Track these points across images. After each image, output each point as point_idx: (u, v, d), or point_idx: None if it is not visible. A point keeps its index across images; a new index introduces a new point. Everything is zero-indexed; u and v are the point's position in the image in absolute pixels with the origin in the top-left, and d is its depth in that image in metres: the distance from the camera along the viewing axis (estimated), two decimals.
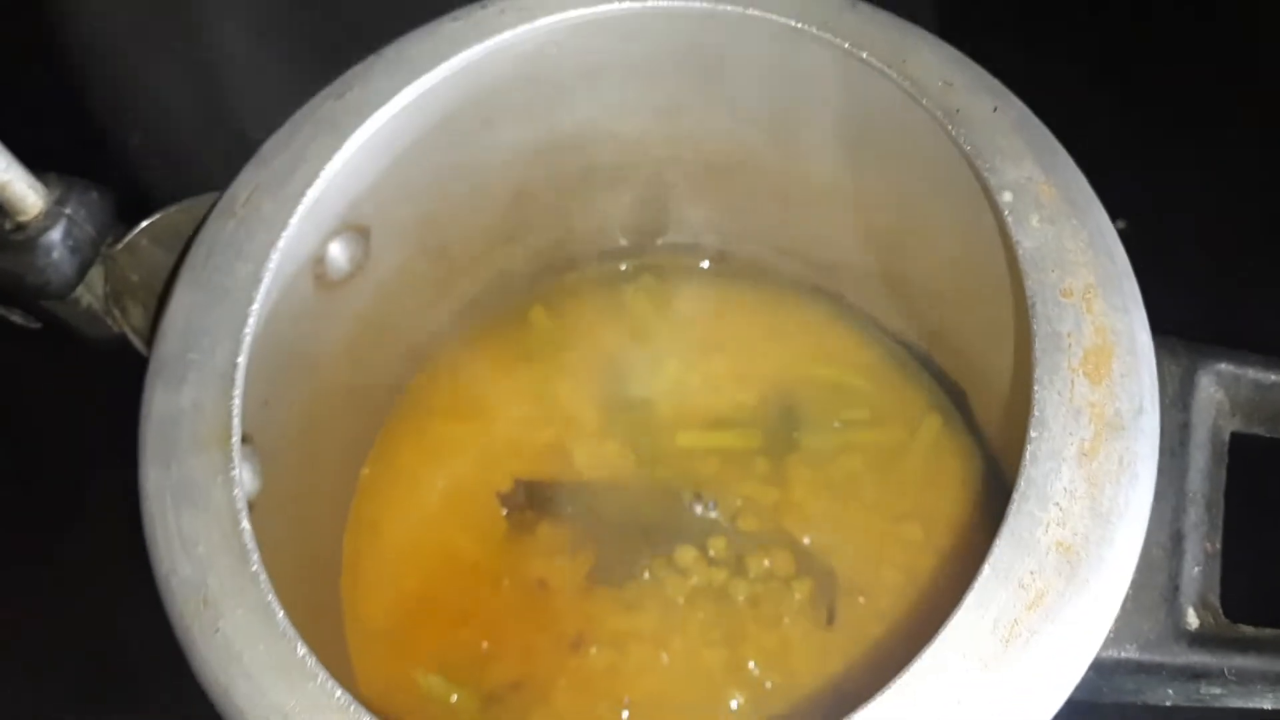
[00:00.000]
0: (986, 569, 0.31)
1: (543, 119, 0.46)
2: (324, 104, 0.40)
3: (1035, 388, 0.33)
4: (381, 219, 0.45)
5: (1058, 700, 0.31)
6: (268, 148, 0.40)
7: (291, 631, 0.32)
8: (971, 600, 0.31)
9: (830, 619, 0.47)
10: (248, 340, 0.36)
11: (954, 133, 0.37)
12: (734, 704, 0.46)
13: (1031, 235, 0.35)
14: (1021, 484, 0.32)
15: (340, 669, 0.45)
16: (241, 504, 0.34)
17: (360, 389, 0.50)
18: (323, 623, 0.45)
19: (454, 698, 0.47)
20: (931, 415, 0.50)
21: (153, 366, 0.37)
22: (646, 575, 0.48)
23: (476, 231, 0.51)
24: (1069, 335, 0.34)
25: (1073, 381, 0.33)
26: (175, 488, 0.35)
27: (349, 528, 0.50)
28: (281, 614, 0.33)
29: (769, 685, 0.47)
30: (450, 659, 0.47)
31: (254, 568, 0.33)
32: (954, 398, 0.51)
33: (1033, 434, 0.33)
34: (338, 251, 0.44)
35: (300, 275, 0.41)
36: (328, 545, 0.49)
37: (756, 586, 0.48)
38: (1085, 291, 0.34)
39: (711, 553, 0.48)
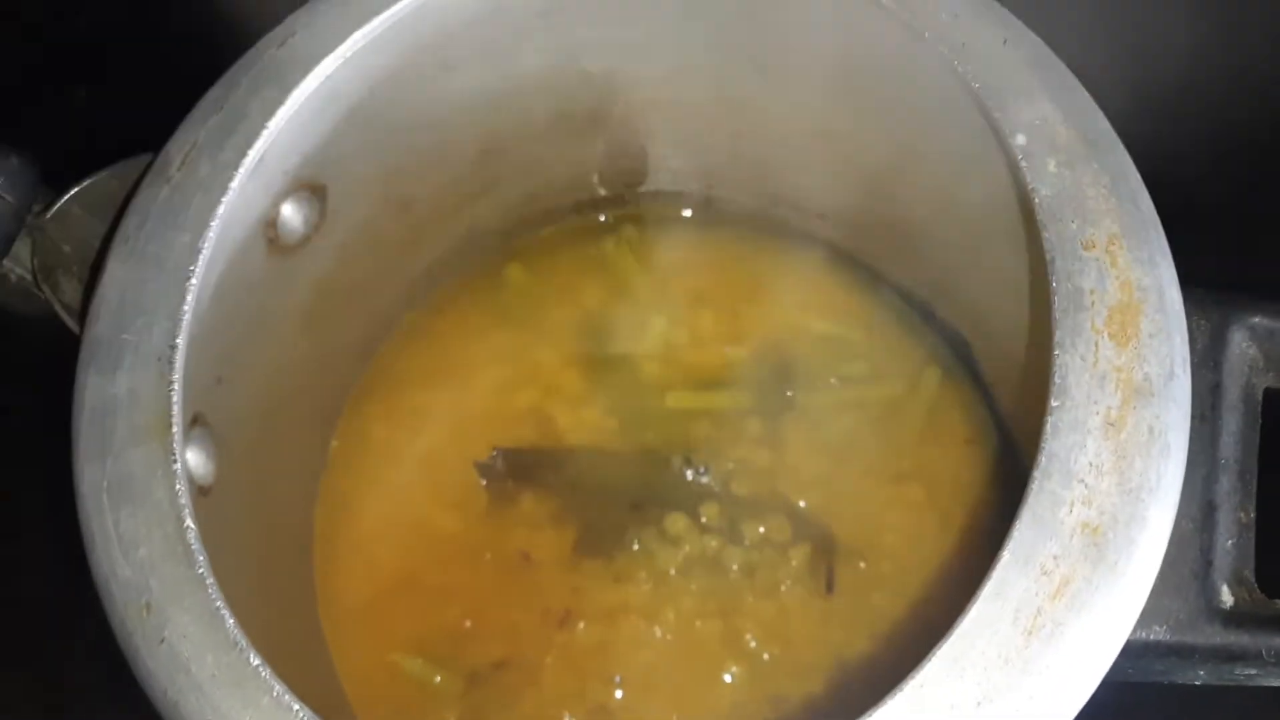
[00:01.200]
0: (1005, 555, 0.29)
1: (505, 61, 0.42)
2: (265, 53, 0.37)
3: (1056, 351, 0.30)
4: (338, 176, 0.41)
5: (1084, 695, 0.28)
6: (204, 104, 0.36)
7: (244, 641, 0.30)
8: (989, 590, 0.28)
9: (830, 587, 0.44)
10: (187, 318, 0.33)
11: (961, 69, 0.34)
12: (728, 677, 0.44)
13: (1048, 182, 0.32)
14: (1042, 460, 0.29)
15: (316, 650, 0.43)
16: (185, 500, 0.31)
17: (324, 358, 0.46)
18: (295, 603, 0.42)
19: (437, 679, 0.44)
20: (931, 368, 0.47)
21: (84, 350, 0.33)
22: (636, 546, 0.45)
23: (443, 185, 0.47)
24: (1091, 292, 0.31)
25: (1097, 344, 0.30)
26: (112, 484, 0.31)
27: (319, 504, 0.47)
28: (232, 621, 0.30)
29: (767, 657, 0.44)
30: (431, 638, 0.45)
31: (200, 570, 0.30)
32: (957, 350, 0.48)
33: (1054, 403, 0.30)
34: (291, 213, 0.40)
35: (250, 241, 0.38)
36: (297, 522, 0.46)
37: (752, 554, 0.45)
38: (1109, 243, 0.31)
39: (704, 519, 0.46)
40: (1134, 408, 0.30)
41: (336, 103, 0.38)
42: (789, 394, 0.48)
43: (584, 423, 0.48)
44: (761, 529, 0.45)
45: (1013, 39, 0.34)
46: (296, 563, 0.44)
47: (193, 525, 0.31)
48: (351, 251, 0.45)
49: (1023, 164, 0.32)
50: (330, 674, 0.42)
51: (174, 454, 0.31)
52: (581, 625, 0.45)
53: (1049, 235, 0.31)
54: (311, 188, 0.41)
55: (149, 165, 0.36)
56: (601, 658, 0.44)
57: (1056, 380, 0.30)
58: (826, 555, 0.45)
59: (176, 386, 0.32)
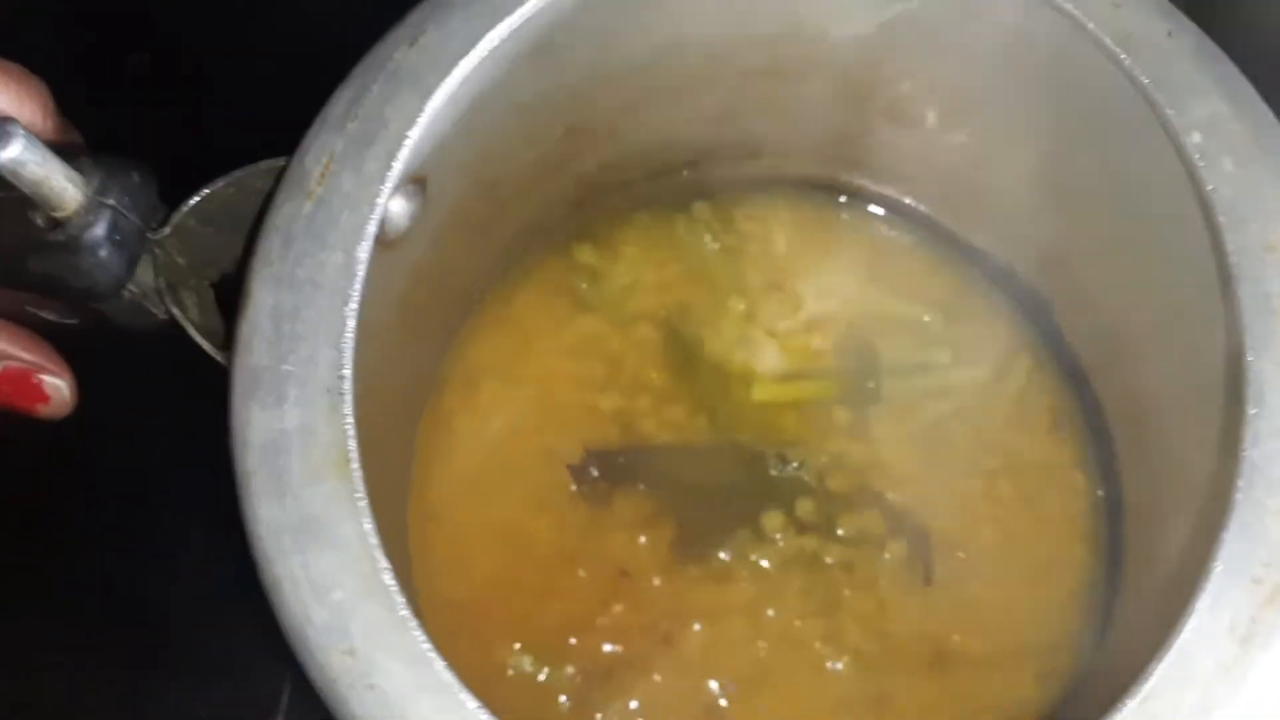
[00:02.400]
0: (1218, 566, 0.29)
1: (616, 41, 0.41)
2: (396, 51, 0.35)
3: (1249, 358, 0.31)
4: (438, 165, 0.40)
5: None
6: (334, 108, 0.34)
7: (456, 684, 0.29)
8: (1204, 602, 0.29)
9: (928, 579, 0.45)
10: (349, 346, 0.32)
11: (1127, 63, 0.33)
12: (836, 667, 0.44)
13: (1227, 181, 0.32)
14: (1244, 469, 0.30)
15: None
16: (374, 539, 0.30)
17: (414, 346, 0.45)
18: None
19: (543, 677, 0.43)
20: (1022, 356, 0.47)
21: (240, 383, 0.32)
22: (734, 545, 0.45)
23: (527, 164, 0.46)
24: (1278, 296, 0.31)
25: None
26: (296, 526, 0.30)
27: (411, 511, 0.45)
28: (442, 664, 0.29)
29: (869, 650, 0.44)
30: (534, 640, 0.44)
31: (402, 612, 0.30)
32: (1035, 311, 0.48)
33: (1250, 410, 0.30)
34: (398, 209, 0.38)
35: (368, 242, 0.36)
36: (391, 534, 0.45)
37: (849, 550, 0.45)
38: None
39: (800, 515, 0.45)
40: None
41: (461, 101, 0.36)
42: (874, 384, 0.47)
43: (669, 419, 0.47)
44: (857, 524, 0.45)
45: (1176, 30, 0.34)
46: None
47: (387, 565, 0.30)
48: (443, 236, 0.43)
49: (1200, 163, 0.32)
50: None
51: (358, 491, 0.30)
52: (686, 627, 0.44)
53: (1232, 238, 0.32)
54: (417, 180, 0.39)
55: (279, 177, 0.34)
56: (706, 659, 0.44)
57: (1252, 387, 0.30)
58: (923, 549, 0.45)
59: (350, 419, 0.31)
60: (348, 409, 0.31)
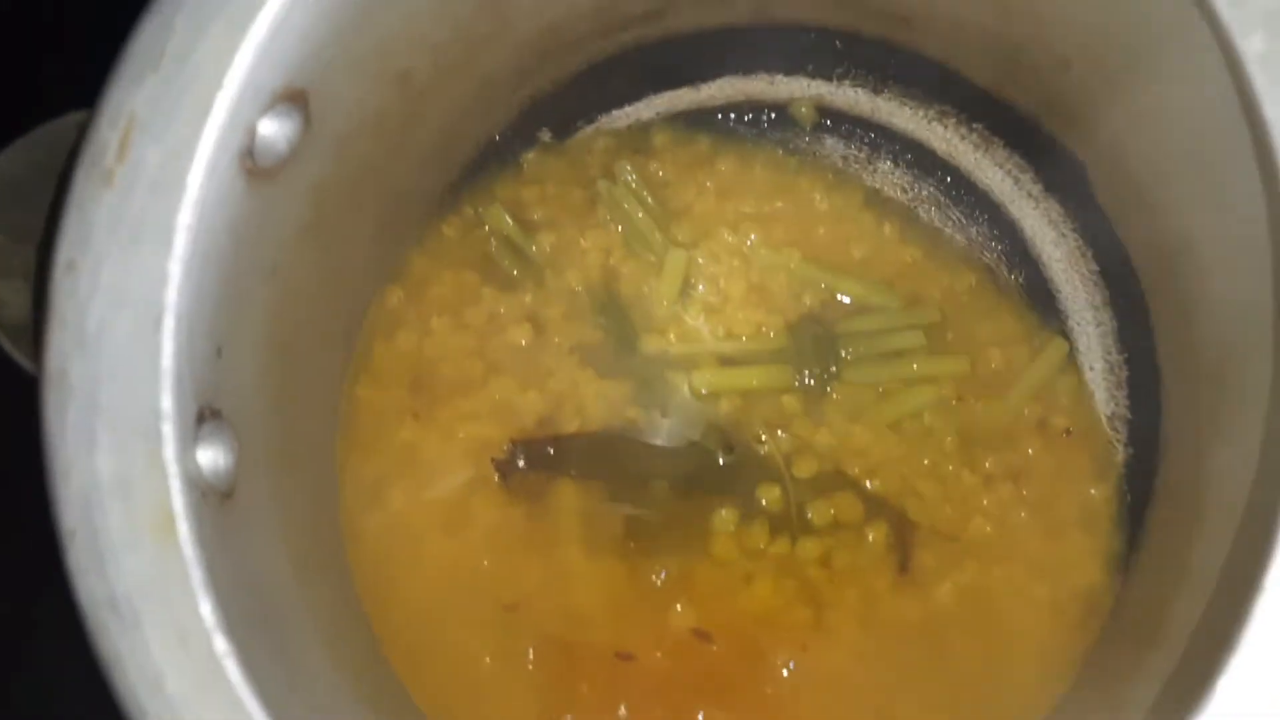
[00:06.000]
0: None
1: None
2: None
3: None
4: (317, 72, 0.32)
5: None
6: (133, 58, 0.27)
7: None
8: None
9: (904, 567, 0.39)
10: (169, 373, 0.26)
11: None
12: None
13: None
14: None
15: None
16: (213, 619, 0.25)
17: (338, 277, 0.39)
18: (339, 613, 0.37)
19: (491, 661, 0.38)
20: (1023, 348, 0.41)
21: (52, 419, 0.26)
22: (695, 541, 0.39)
23: (443, 42, 0.38)
24: None
25: None
26: (120, 601, 0.25)
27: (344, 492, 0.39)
28: None
29: (854, 639, 0.39)
30: (488, 625, 0.39)
31: (249, 706, 0.25)
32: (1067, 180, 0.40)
33: None
34: (269, 133, 0.31)
35: (226, 193, 0.29)
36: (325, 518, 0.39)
37: (826, 540, 0.39)
38: None
39: (764, 502, 0.40)
40: None
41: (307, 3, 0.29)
42: (834, 369, 0.41)
43: (604, 403, 0.40)
44: (832, 511, 0.40)
45: None
46: (331, 562, 0.37)
47: (229, 648, 0.25)
48: (348, 145, 0.36)
49: (1258, 80, 0.24)
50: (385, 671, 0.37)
51: (189, 558, 0.25)
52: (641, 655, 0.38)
53: None
54: (289, 97, 0.32)
55: (76, 144, 0.27)
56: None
57: None
58: (902, 534, 0.39)
59: (174, 467, 0.25)
60: (170, 454, 0.25)
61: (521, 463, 0.39)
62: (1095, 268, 0.42)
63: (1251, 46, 0.24)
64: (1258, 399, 0.29)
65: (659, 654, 0.37)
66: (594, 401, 0.40)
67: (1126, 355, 0.41)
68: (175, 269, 0.26)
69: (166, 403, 0.26)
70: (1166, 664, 0.29)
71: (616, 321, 0.41)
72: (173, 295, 0.26)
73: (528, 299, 0.41)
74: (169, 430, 0.26)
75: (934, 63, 0.42)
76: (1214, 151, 0.30)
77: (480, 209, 0.42)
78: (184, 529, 0.25)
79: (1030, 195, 0.43)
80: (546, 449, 0.39)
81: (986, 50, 0.39)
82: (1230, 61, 0.25)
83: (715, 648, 0.38)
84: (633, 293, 0.42)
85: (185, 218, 0.26)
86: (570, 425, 0.40)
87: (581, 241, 0.42)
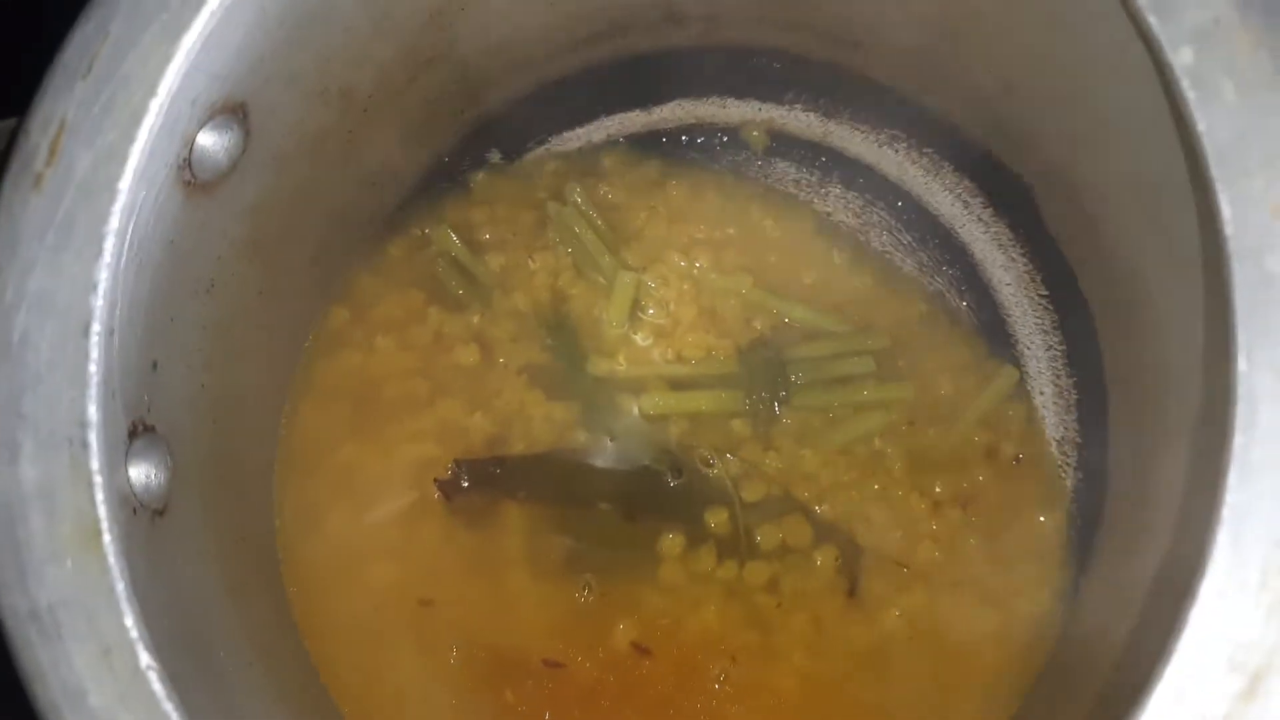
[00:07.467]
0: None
1: None
2: None
3: (1239, 361, 0.23)
4: (257, 85, 0.32)
5: None
6: (66, 61, 0.27)
7: None
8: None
9: (852, 590, 0.39)
10: (96, 381, 0.25)
11: None
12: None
13: (1224, 118, 0.24)
14: (1225, 514, 0.23)
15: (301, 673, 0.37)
16: (136, 631, 0.24)
17: (280, 290, 0.38)
18: (273, 630, 0.36)
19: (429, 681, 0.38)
20: (972, 373, 0.41)
21: None
22: (635, 565, 0.39)
23: (388, 61, 0.38)
24: None
25: None
26: (41, 613, 0.25)
27: (280, 515, 0.39)
28: None
29: (800, 663, 0.38)
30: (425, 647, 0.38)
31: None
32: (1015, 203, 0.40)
33: (1238, 439, 0.23)
34: (208, 144, 0.31)
35: (162, 205, 0.29)
36: (261, 537, 0.39)
37: (774, 564, 0.39)
38: None
39: (713, 525, 0.39)
40: None
41: (244, 9, 0.29)
42: (784, 393, 0.40)
43: (550, 426, 0.40)
44: (780, 535, 0.39)
45: None
46: (266, 584, 0.37)
47: (153, 662, 0.24)
48: (290, 163, 0.36)
49: (1189, 93, 0.24)
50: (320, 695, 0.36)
51: (113, 570, 0.25)
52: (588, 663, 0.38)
53: (1225, 196, 0.24)
54: (228, 109, 0.32)
55: (6, 150, 0.27)
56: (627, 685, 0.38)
57: (1242, 404, 0.23)
58: (850, 559, 0.39)
59: (98, 477, 0.25)
60: (96, 465, 0.25)
61: (466, 483, 0.39)
62: (1044, 291, 0.42)
63: (1181, 60, 0.24)
64: (1191, 419, 0.29)
65: (588, 664, 0.37)
66: (542, 423, 0.40)
67: (1075, 379, 0.42)
68: (104, 275, 0.26)
69: (93, 413, 0.25)
70: (1106, 687, 0.28)
71: (565, 343, 0.41)
72: (100, 302, 0.26)
73: (475, 320, 0.41)
74: (95, 441, 0.25)
75: (884, 87, 0.42)
76: (1152, 173, 0.30)
77: (428, 229, 0.42)
78: (109, 541, 0.25)
79: (980, 219, 0.43)
80: (492, 469, 0.39)
81: (934, 74, 0.40)
82: (1162, 76, 0.25)
83: (651, 662, 0.37)
84: (582, 314, 0.41)
85: (115, 223, 0.26)
86: (517, 446, 0.40)
87: (530, 263, 0.42)
